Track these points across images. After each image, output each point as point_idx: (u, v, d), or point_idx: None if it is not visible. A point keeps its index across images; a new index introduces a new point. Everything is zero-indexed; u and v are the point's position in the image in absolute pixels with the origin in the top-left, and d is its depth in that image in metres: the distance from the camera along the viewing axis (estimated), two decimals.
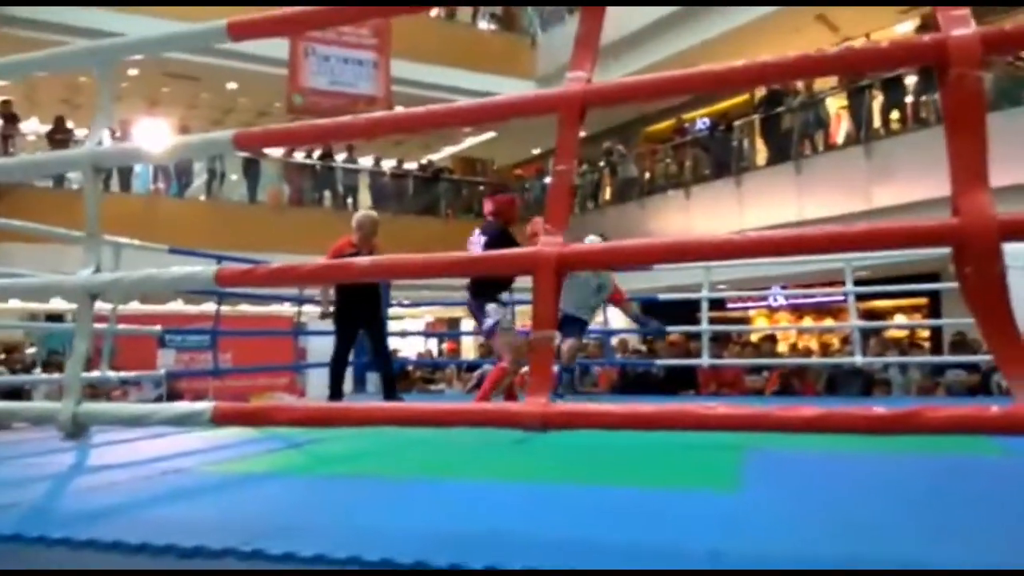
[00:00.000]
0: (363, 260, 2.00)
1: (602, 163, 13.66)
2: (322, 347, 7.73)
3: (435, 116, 1.69)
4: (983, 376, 6.20)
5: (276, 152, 12.71)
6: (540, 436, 1.63)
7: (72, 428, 1.70)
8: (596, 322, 6.48)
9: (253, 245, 9.19)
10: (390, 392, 5.05)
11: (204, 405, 1.60)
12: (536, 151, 16.54)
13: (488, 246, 3.93)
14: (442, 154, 16.77)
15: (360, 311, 4.93)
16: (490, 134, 15.48)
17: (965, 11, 1.30)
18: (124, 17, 10.74)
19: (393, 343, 7.48)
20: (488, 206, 4.24)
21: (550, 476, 2.38)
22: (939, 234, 1.26)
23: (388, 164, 14.58)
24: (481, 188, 15.20)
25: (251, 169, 12.43)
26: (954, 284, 1.33)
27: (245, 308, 10.37)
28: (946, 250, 1.29)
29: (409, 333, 13.20)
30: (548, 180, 14.83)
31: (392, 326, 8.10)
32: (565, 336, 5.23)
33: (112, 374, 4.43)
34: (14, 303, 10.88)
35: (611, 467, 2.51)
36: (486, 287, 4.02)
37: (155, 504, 1.95)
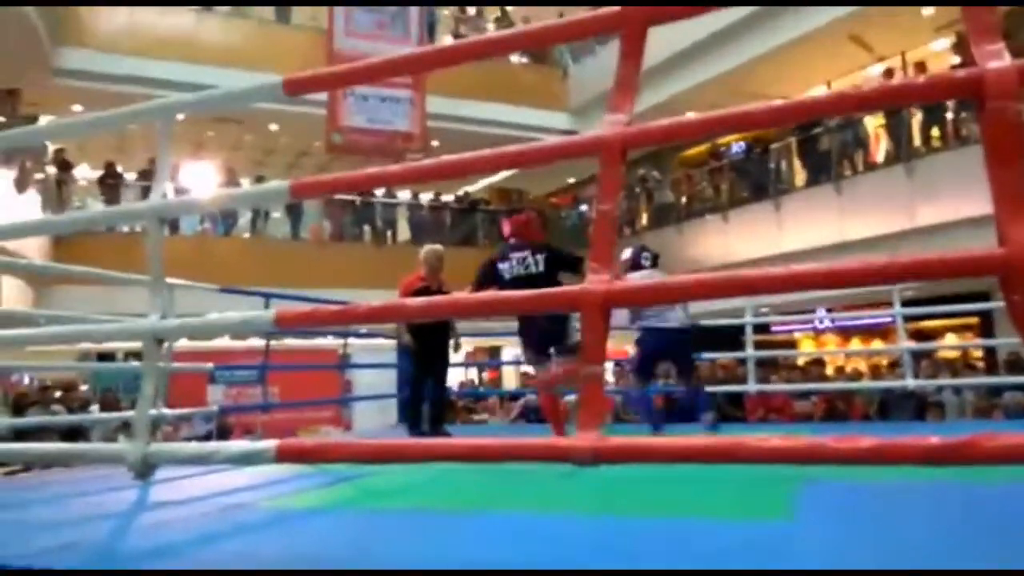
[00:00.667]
0: (418, 301, 2.07)
1: (637, 190, 13.67)
2: (368, 380, 7.83)
3: (481, 161, 1.75)
4: None
5: None
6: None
7: (142, 468, 1.78)
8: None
9: (297, 280, 9.40)
10: (438, 425, 5.10)
11: (268, 444, 1.66)
12: (571, 180, 16.65)
13: (550, 263, 3.67)
14: (478, 185, 16.97)
15: (432, 345, 5.06)
16: None
17: (1000, 44, 1.32)
18: (168, 65, 11.23)
19: None
20: (506, 228, 3.97)
21: (598, 508, 2.38)
22: (985, 264, 1.27)
23: (426, 197, 14.80)
24: None
25: (294, 207, 12.75)
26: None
27: (290, 341, 10.58)
28: None
29: (453, 364, 13.27)
30: (583, 208, 14.81)
31: None
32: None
33: (168, 411, 4.56)
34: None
35: (660, 498, 2.50)
36: (557, 333, 3.64)
37: (219, 539, 2.01)
